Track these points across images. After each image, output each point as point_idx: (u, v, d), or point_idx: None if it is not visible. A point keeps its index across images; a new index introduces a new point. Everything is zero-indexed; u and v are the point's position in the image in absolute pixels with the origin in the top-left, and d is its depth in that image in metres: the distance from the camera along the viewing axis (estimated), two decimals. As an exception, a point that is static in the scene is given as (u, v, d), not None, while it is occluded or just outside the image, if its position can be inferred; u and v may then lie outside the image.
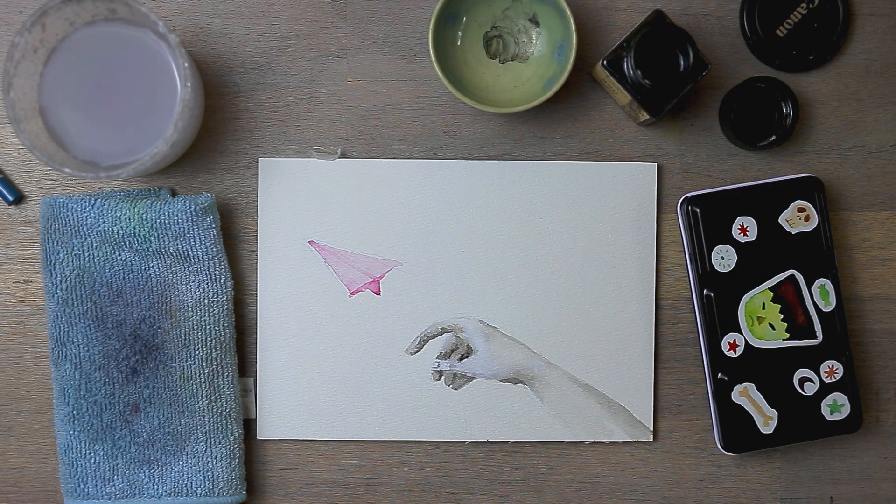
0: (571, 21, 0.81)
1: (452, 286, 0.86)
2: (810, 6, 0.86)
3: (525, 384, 0.86)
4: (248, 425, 0.86)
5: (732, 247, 0.84)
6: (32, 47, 0.78)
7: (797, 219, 0.84)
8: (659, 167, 0.86)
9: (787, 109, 0.84)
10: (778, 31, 0.86)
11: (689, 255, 0.84)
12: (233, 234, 0.86)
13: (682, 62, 0.80)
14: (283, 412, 0.85)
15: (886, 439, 0.87)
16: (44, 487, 0.86)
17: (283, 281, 0.85)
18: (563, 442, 0.86)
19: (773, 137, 0.85)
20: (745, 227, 0.84)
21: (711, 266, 0.84)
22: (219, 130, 0.86)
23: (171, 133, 0.76)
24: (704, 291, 0.84)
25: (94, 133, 0.80)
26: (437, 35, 0.82)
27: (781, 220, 0.84)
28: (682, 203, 0.84)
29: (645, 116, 0.82)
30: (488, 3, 0.85)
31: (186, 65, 0.76)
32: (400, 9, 0.86)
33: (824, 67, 0.87)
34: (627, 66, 0.81)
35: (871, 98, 0.87)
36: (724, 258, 0.84)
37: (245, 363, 0.86)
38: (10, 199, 0.85)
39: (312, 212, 0.85)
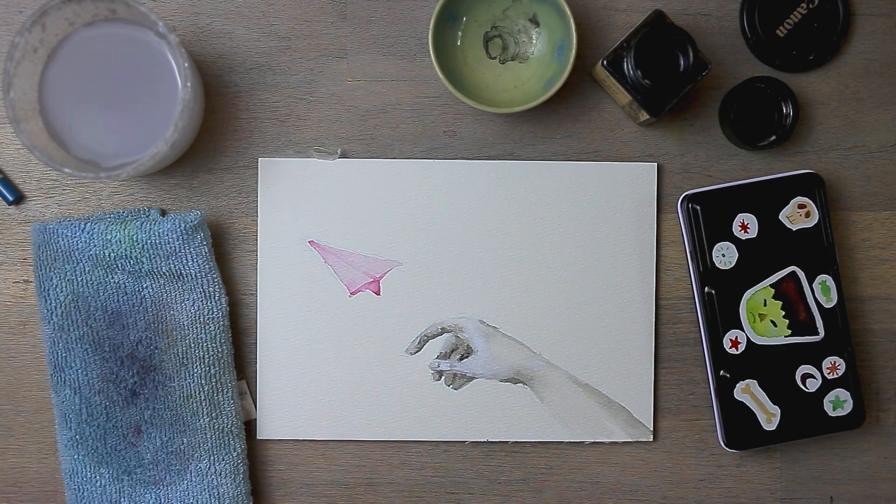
0: (571, 21, 0.81)
1: (452, 286, 0.86)
2: (810, 6, 0.86)
3: (525, 384, 0.86)
4: (249, 426, 0.86)
5: (733, 244, 0.84)
6: (32, 47, 0.78)
7: (798, 215, 0.84)
8: (659, 167, 0.86)
9: (787, 109, 0.84)
10: (778, 31, 0.86)
11: (690, 252, 0.84)
12: (233, 234, 0.86)
13: (682, 62, 0.80)
14: (283, 412, 0.85)
15: (886, 439, 0.87)
16: (44, 487, 0.86)
17: (283, 281, 0.85)
18: (563, 442, 0.86)
19: (773, 137, 0.85)
20: (746, 225, 0.84)
21: (712, 263, 0.84)
22: (219, 130, 0.86)
23: (171, 133, 0.76)
24: (706, 289, 0.84)
25: (94, 133, 0.80)
26: (437, 35, 0.82)
27: (782, 216, 0.84)
28: (682, 201, 0.84)
29: (645, 116, 0.82)
30: (488, 3, 0.85)
31: (186, 65, 0.76)
32: (400, 9, 0.86)
33: (824, 67, 0.87)
34: (627, 66, 0.81)
35: (871, 98, 0.87)
36: (724, 255, 0.84)
37: (245, 363, 0.86)
38: (10, 199, 0.85)
39: (312, 212, 0.85)
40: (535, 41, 0.85)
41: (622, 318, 0.86)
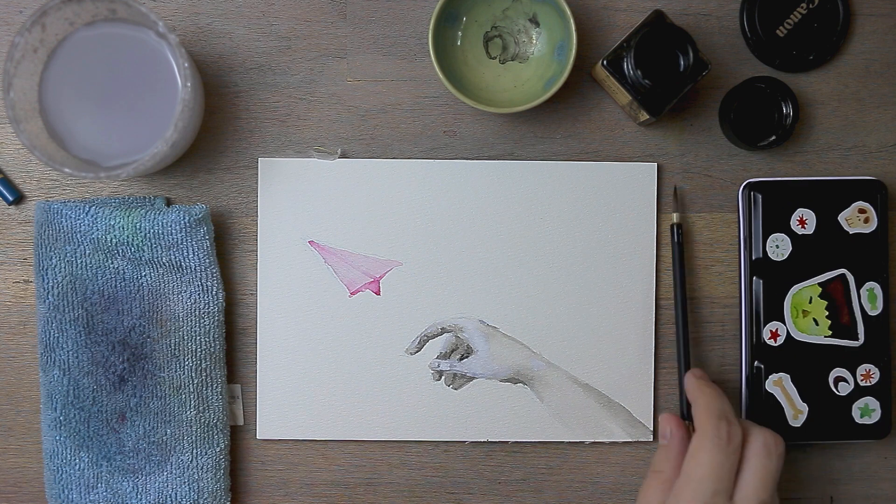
0: (571, 21, 0.81)
1: (452, 286, 0.86)
2: (810, 6, 0.86)
3: (525, 384, 0.86)
4: (239, 431, 0.86)
5: (788, 237, 0.84)
6: (32, 47, 0.78)
7: (856, 219, 0.84)
8: (659, 167, 0.86)
9: (787, 109, 0.84)
10: (778, 31, 0.86)
11: (744, 239, 0.84)
12: (233, 234, 0.86)
13: (682, 62, 0.80)
14: (283, 412, 0.85)
15: (886, 439, 0.87)
16: (44, 487, 0.86)
17: (283, 281, 0.85)
18: (563, 442, 0.86)
19: (773, 137, 0.85)
20: (804, 220, 0.84)
21: (765, 253, 0.84)
22: (219, 130, 0.86)
23: (171, 133, 0.76)
24: (754, 278, 0.84)
25: (94, 133, 0.80)
26: (437, 35, 0.82)
27: (841, 218, 0.84)
28: (744, 188, 0.84)
29: (645, 116, 0.82)
30: (488, 3, 0.85)
31: (186, 65, 0.76)
32: (400, 9, 0.86)
33: (824, 67, 0.87)
34: (627, 66, 0.81)
35: (871, 98, 0.87)
36: (778, 247, 0.84)
37: (244, 364, 0.86)
38: (10, 199, 0.85)
39: (312, 212, 0.85)
40: (535, 41, 0.85)
41: (622, 318, 0.86)
